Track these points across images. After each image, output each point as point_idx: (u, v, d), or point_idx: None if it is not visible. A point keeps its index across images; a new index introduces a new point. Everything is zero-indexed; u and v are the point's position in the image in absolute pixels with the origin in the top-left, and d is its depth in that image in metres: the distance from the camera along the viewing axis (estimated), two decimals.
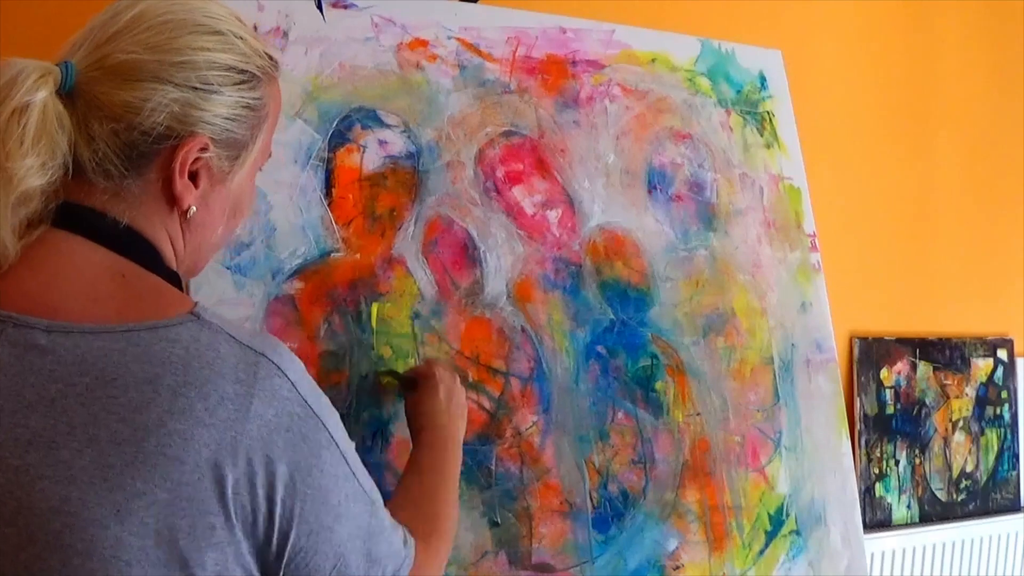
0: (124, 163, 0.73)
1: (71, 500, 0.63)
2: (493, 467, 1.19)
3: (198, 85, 0.73)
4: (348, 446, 0.75)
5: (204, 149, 0.75)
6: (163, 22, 0.74)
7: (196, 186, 0.76)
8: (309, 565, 0.70)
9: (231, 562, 0.66)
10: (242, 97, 0.77)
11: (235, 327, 0.71)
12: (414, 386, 1.09)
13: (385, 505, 0.80)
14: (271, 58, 0.81)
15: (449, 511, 0.97)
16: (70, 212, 0.73)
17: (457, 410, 1.07)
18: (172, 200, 0.75)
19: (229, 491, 0.65)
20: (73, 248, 0.72)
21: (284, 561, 0.69)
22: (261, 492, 0.67)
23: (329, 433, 0.72)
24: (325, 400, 0.73)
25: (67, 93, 0.72)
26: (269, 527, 0.68)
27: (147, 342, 0.67)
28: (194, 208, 0.76)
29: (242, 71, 0.77)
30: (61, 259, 0.72)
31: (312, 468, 0.69)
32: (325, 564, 0.71)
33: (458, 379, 1.11)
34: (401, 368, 1.14)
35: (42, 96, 0.70)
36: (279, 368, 0.69)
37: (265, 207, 1.11)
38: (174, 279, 0.77)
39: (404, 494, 0.96)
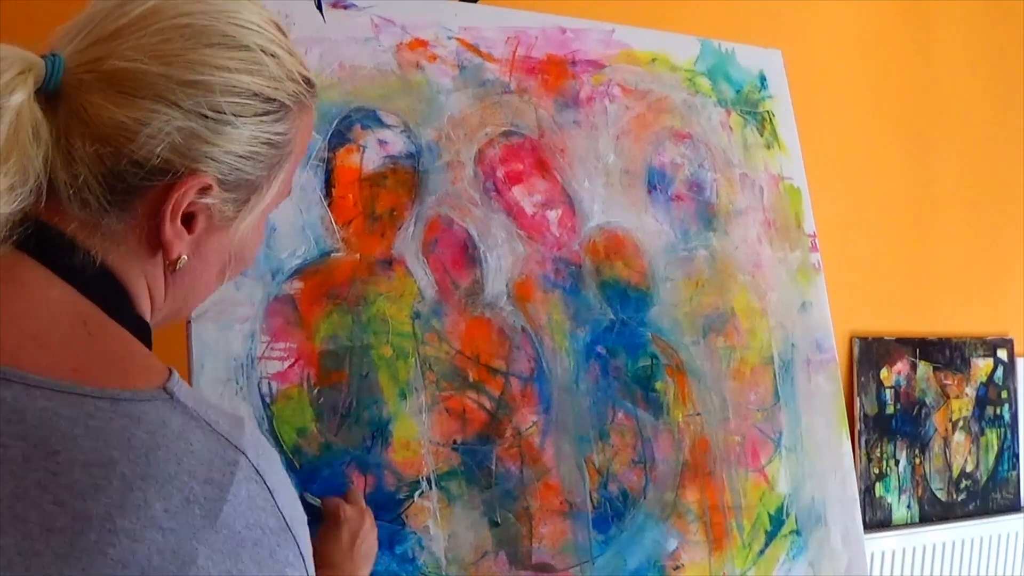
0: (106, 195, 0.60)
1: None
2: (493, 467, 1.19)
3: (209, 113, 0.60)
4: (310, 554, 0.63)
5: (205, 191, 0.62)
6: (180, 26, 0.60)
7: (190, 231, 0.63)
8: None
9: None
10: (263, 132, 0.64)
11: (212, 411, 0.58)
12: (321, 519, 1.00)
13: None
14: (308, 82, 0.68)
15: None
16: (39, 236, 0.60)
17: (362, 550, 0.98)
18: (158, 245, 0.63)
19: None
20: (31, 280, 0.59)
21: None
22: None
23: (299, 548, 0.60)
24: (299, 507, 0.62)
25: (49, 94, 0.59)
26: None
27: (105, 415, 0.54)
28: (185, 257, 0.64)
29: (268, 99, 0.63)
30: (12, 292, 0.59)
31: None
32: None
33: (371, 519, 1.02)
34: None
35: (18, 99, 0.56)
36: (259, 472, 0.57)
37: None
38: (143, 330, 0.64)
39: None
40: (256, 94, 0.63)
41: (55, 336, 0.58)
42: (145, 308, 0.65)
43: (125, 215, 0.61)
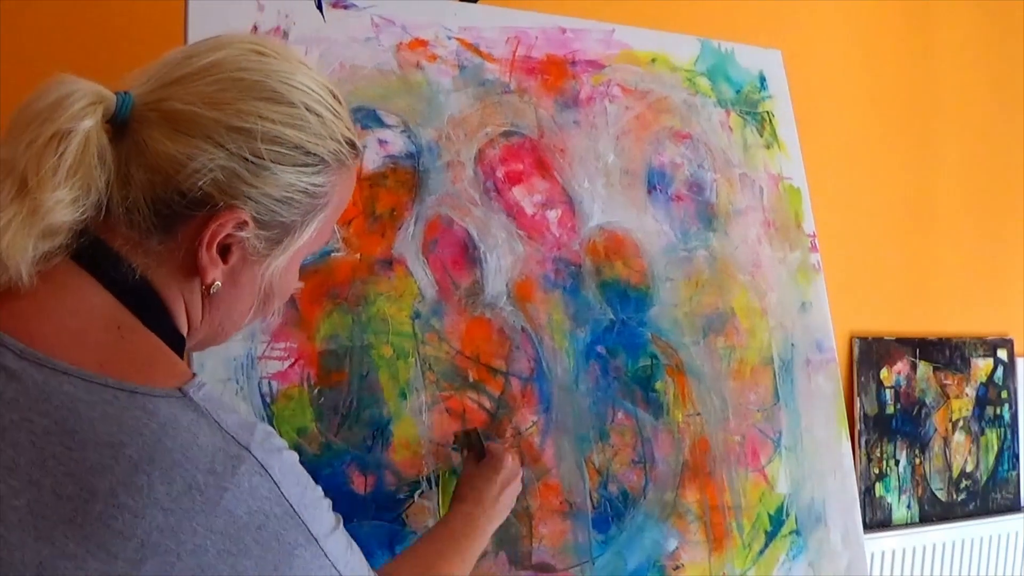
0: (153, 218, 0.67)
1: None
2: None
3: (250, 157, 0.67)
4: (331, 534, 0.69)
5: (241, 226, 0.69)
6: (235, 79, 0.68)
7: (225, 261, 0.70)
8: None
9: None
10: (299, 181, 0.70)
11: (225, 411, 0.65)
12: (478, 457, 1.09)
13: (394, 558, 0.76)
14: (351, 144, 0.74)
15: None
16: (91, 249, 0.68)
17: (506, 500, 1.06)
18: (195, 269, 0.70)
19: None
20: (76, 286, 0.67)
21: None
22: None
23: (309, 530, 0.66)
24: (311, 493, 0.68)
25: (118, 126, 0.67)
26: None
27: (121, 405, 0.62)
28: (218, 284, 0.71)
29: (308, 153, 0.70)
30: (60, 293, 0.67)
31: (281, 565, 0.64)
32: None
33: (521, 475, 1.10)
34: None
35: (87, 125, 0.64)
36: (263, 466, 0.63)
37: None
38: (176, 342, 0.71)
39: (414, 552, 0.95)
40: (297, 146, 0.70)
41: (90, 335, 0.65)
42: (181, 323, 0.72)
43: (167, 238, 0.68)
